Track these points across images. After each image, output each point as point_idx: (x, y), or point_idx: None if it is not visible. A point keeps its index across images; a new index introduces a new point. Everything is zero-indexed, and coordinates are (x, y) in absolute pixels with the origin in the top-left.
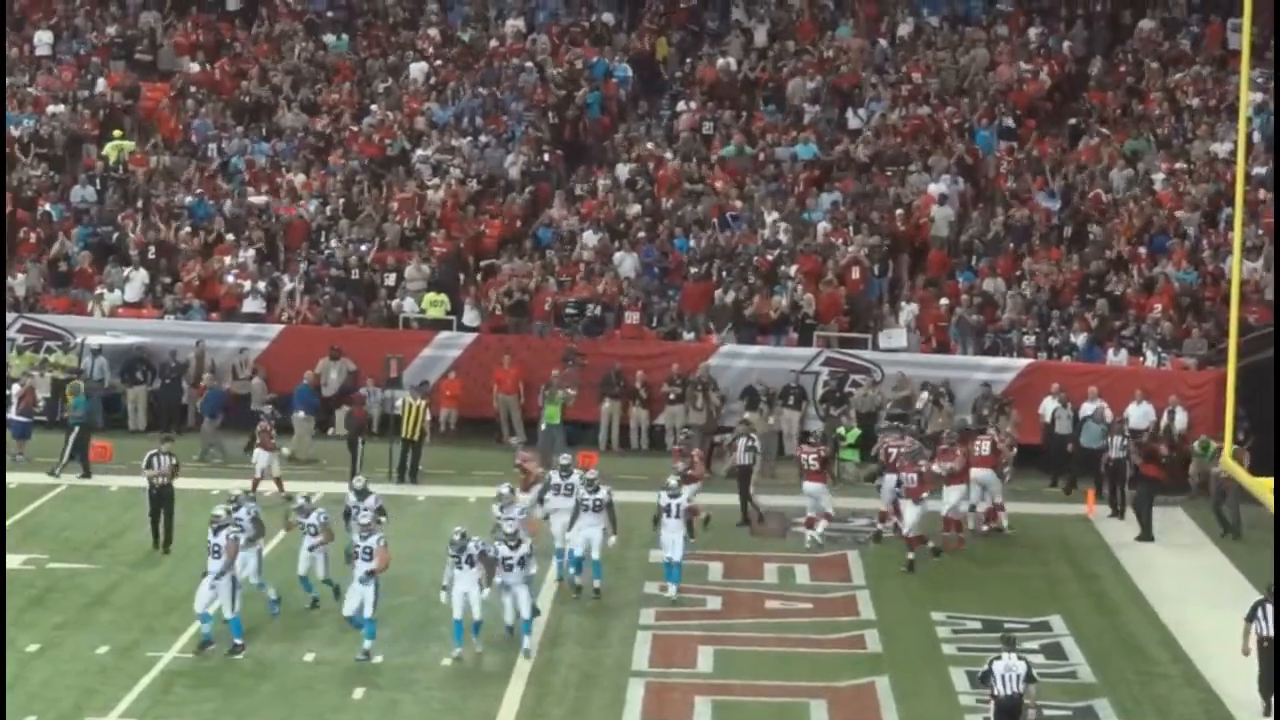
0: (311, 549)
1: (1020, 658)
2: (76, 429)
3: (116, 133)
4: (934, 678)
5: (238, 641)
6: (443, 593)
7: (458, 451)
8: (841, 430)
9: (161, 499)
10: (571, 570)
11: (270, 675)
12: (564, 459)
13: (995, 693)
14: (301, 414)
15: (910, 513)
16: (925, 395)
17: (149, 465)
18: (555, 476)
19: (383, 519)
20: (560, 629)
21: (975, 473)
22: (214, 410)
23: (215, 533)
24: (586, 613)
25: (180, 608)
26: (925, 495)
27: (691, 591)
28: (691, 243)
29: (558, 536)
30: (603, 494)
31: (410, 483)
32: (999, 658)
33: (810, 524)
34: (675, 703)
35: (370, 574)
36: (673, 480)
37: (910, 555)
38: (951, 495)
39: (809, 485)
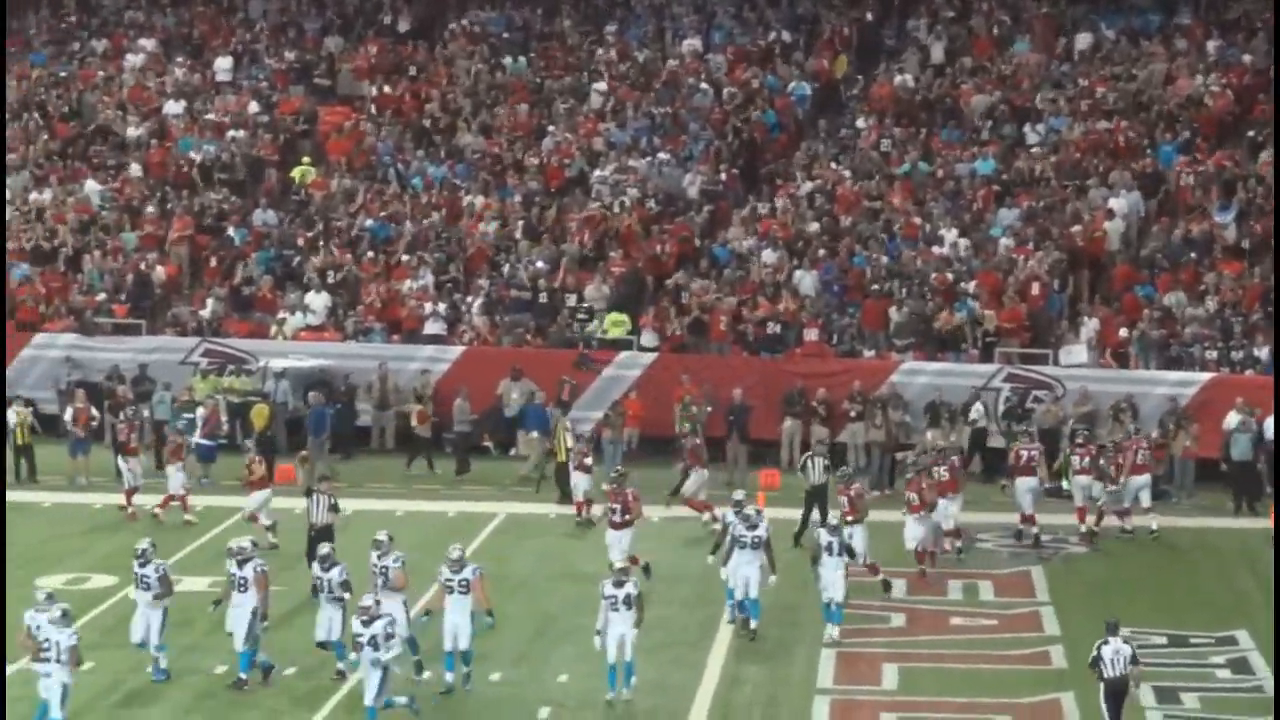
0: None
1: (1126, 641)
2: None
3: (305, 160)
4: None
5: (242, 676)
6: (596, 638)
7: (644, 472)
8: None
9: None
10: (737, 611)
11: (456, 695)
12: (737, 495)
13: (1105, 675)
14: (535, 434)
15: (912, 527)
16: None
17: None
18: (730, 515)
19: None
20: (744, 647)
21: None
22: (319, 429)
23: (240, 565)
24: (771, 630)
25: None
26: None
27: (875, 609)
28: (870, 260)
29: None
30: (761, 531)
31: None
32: (1106, 642)
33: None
34: None
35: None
36: (834, 518)
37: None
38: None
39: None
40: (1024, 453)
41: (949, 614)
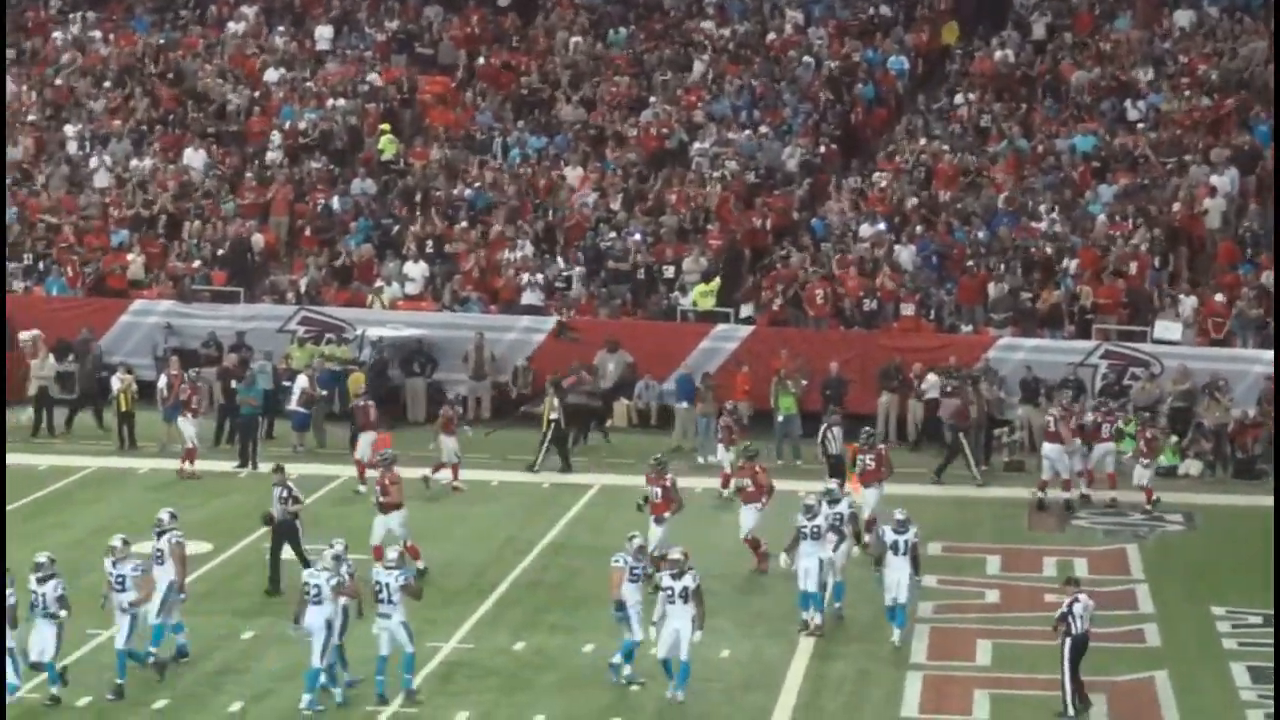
0: None
1: (1090, 597)
2: (243, 420)
3: (383, 126)
4: (1214, 673)
5: (152, 650)
6: (651, 628)
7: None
8: (1121, 423)
9: (282, 534)
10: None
11: (551, 667)
12: (831, 485)
13: (1073, 631)
14: (685, 405)
15: (745, 515)
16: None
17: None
18: (815, 502)
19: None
20: (836, 625)
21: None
22: (327, 389)
23: (157, 537)
24: (864, 606)
25: (459, 599)
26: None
27: (970, 585)
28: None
29: (810, 576)
30: (821, 520)
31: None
32: (1077, 599)
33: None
34: (954, 696)
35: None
36: (899, 514)
37: None
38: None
39: (1047, 446)
40: (1050, 419)
41: (1043, 590)
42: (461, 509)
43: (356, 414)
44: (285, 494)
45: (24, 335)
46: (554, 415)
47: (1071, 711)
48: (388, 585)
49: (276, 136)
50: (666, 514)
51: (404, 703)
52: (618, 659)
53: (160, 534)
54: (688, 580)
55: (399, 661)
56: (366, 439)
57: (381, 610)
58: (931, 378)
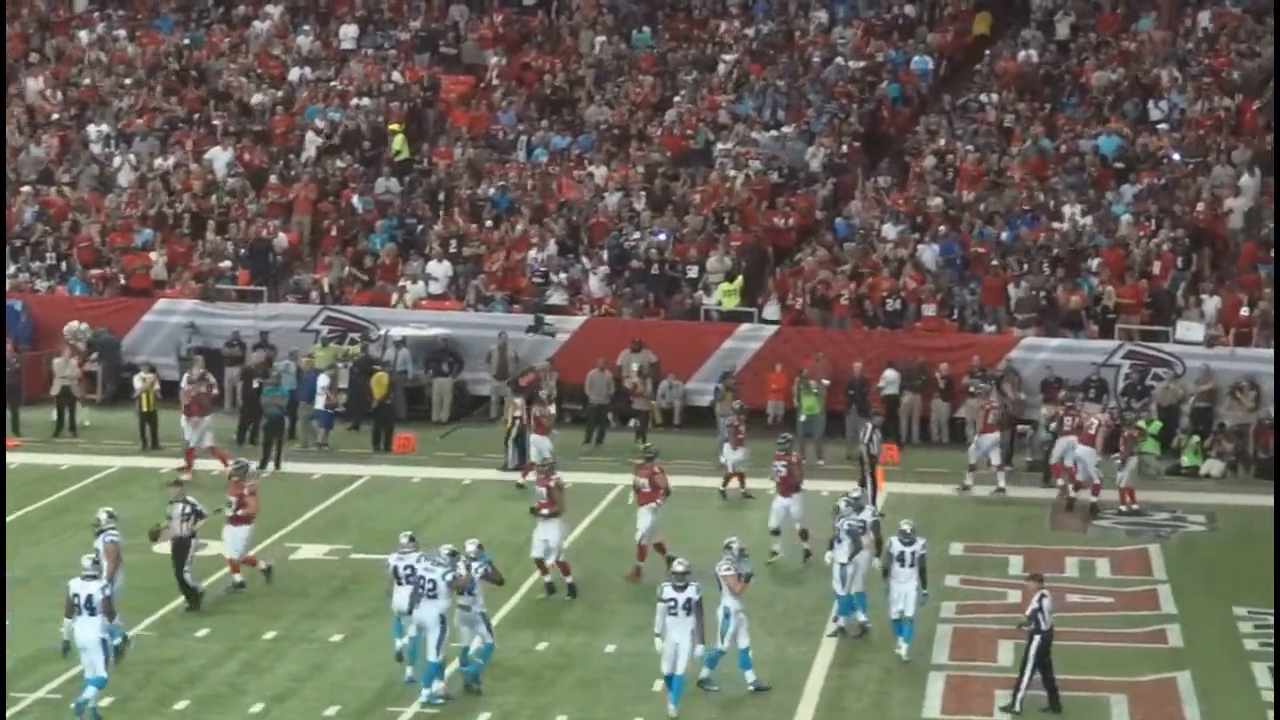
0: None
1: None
2: (268, 420)
3: (393, 127)
4: (1237, 674)
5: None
6: (657, 639)
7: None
8: (1143, 423)
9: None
10: (850, 617)
11: (572, 666)
12: (854, 493)
13: (1042, 627)
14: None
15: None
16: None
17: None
18: (843, 505)
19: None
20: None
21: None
22: (310, 394)
23: (95, 537)
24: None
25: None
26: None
27: (992, 585)
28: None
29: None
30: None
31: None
32: (1045, 595)
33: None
34: (976, 696)
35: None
36: (906, 525)
37: None
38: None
39: (1081, 448)
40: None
41: (1065, 590)
42: (484, 509)
43: (537, 421)
44: (187, 510)
45: (69, 327)
46: (517, 414)
47: (1019, 709)
48: (434, 581)
49: (311, 136)
50: (655, 503)
51: (425, 703)
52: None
53: (99, 534)
54: (691, 592)
55: (477, 650)
56: (541, 443)
57: (461, 601)
58: (889, 373)
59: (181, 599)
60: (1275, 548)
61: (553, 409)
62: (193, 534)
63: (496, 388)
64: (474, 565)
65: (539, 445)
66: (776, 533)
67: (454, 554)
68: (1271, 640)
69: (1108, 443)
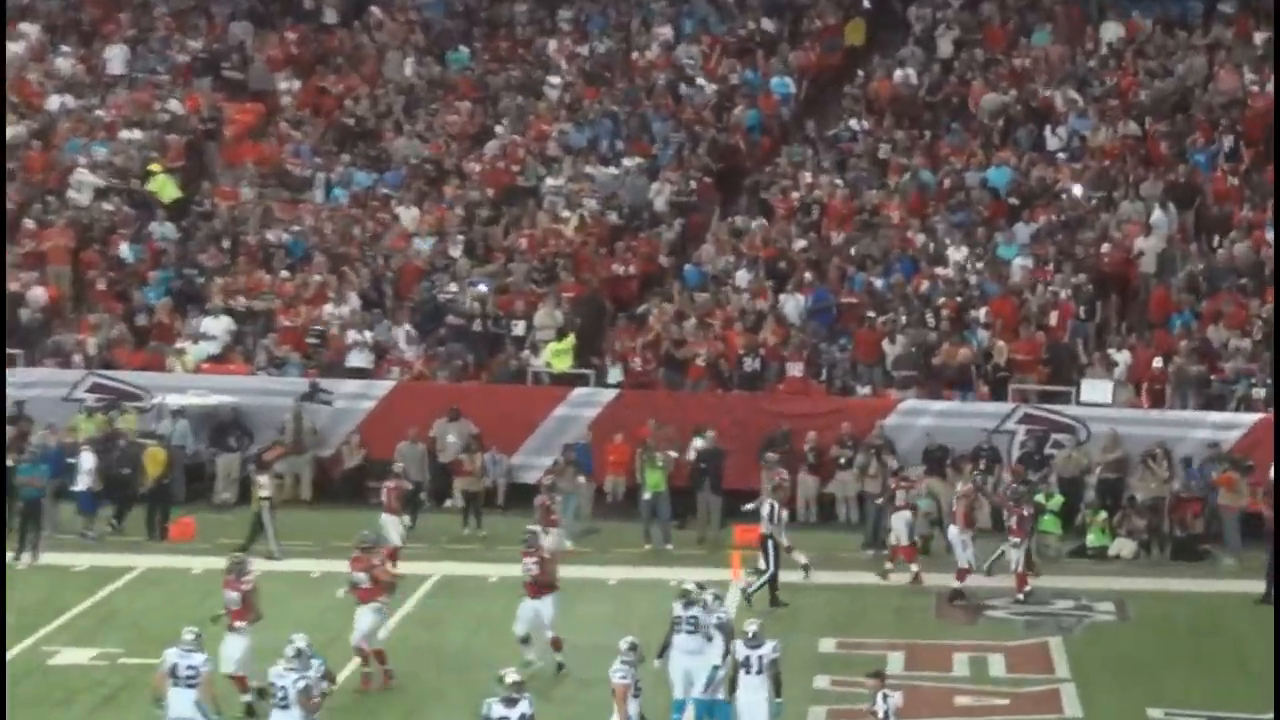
0: None
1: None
2: (22, 504)
3: (152, 166)
4: None
5: None
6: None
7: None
8: (1041, 497)
9: None
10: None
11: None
12: (687, 585)
13: None
14: (582, 478)
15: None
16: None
17: None
18: (678, 608)
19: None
20: None
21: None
22: (71, 473)
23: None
24: None
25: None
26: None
27: (867, 687)
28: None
29: (678, 684)
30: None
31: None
32: (887, 695)
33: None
34: None
35: None
36: (751, 627)
37: None
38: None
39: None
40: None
41: (953, 692)
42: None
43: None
44: None
45: None
46: (264, 494)
47: None
48: (284, 689)
49: (83, 174)
50: (378, 601)
51: None
52: None
53: None
54: (524, 707)
55: None
56: (390, 521)
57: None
58: (697, 441)
59: None
60: (1275, 610)
61: (407, 483)
62: None
63: (291, 463)
64: (314, 663)
65: (388, 524)
66: (526, 641)
67: (300, 653)
68: None
69: (996, 520)
